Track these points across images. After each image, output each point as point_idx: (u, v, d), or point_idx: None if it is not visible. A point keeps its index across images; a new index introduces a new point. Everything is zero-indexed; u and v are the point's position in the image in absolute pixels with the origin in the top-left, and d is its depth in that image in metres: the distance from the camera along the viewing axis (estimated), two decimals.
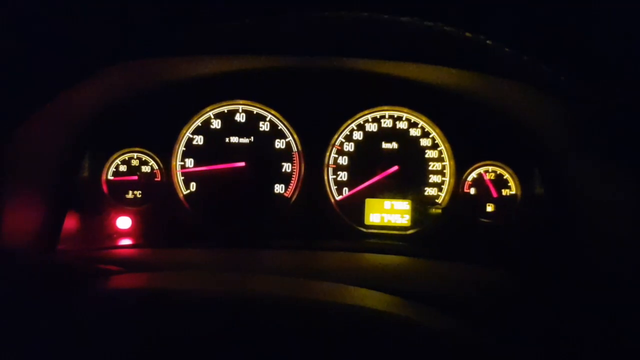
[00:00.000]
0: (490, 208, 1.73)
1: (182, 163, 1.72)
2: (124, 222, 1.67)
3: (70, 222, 1.58)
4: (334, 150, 1.73)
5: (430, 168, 1.73)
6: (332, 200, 1.72)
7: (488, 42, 0.95)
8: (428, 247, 1.64)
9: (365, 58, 1.44)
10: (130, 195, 1.71)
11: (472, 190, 1.73)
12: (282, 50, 1.38)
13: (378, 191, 1.73)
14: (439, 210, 1.69)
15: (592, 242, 1.41)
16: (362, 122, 1.73)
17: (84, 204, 1.63)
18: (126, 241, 1.61)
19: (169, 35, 1.13)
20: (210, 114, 1.71)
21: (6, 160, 1.22)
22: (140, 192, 1.71)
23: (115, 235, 1.65)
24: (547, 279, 1.36)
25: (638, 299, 1.14)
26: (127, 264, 1.22)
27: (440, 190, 1.73)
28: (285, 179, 1.72)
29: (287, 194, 1.72)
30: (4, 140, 1.19)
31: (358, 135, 1.73)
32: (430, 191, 1.74)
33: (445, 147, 1.72)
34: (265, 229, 1.69)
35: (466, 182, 1.72)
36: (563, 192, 1.55)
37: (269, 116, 1.71)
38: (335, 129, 1.71)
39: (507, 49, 0.96)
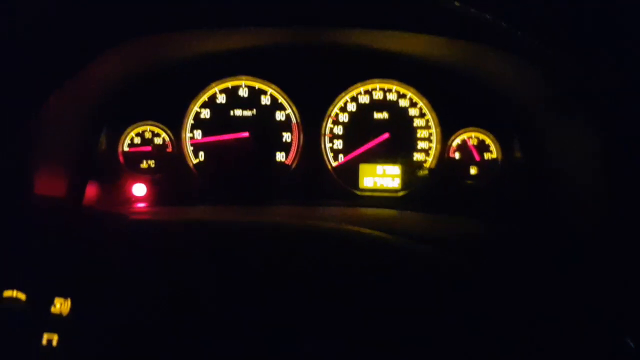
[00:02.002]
0: (473, 171, 1.89)
1: (191, 135, 1.87)
2: (139, 190, 1.82)
3: (91, 191, 1.74)
4: (330, 120, 1.88)
5: (418, 135, 1.89)
6: (329, 167, 1.88)
7: (471, 10, 1.09)
8: (417, 205, 1.80)
9: (356, 28, 1.57)
10: (144, 165, 1.86)
11: (457, 155, 1.89)
12: (278, 22, 1.51)
13: (371, 157, 1.89)
14: (426, 172, 1.85)
15: (562, 197, 1.57)
16: (355, 94, 1.88)
17: (102, 173, 1.79)
18: (142, 205, 1.78)
19: (177, 10, 1.30)
20: (216, 89, 1.87)
21: (33, 134, 1.38)
22: (153, 162, 1.87)
23: (131, 201, 1.81)
24: (522, 228, 1.54)
25: (600, 245, 1.29)
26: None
27: (428, 155, 1.89)
28: (286, 147, 1.88)
29: (288, 162, 1.88)
30: (30, 116, 1.35)
31: (352, 107, 1.89)
32: (418, 156, 1.89)
33: (431, 115, 1.87)
34: (267, 193, 1.85)
35: (451, 148, 1.88)
36: (538, 155, 1.71)
37: (270, 90, 1.87)
38: (330, 100, 1.87)
39: (488, 17, 1.10)
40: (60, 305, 0.99)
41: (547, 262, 1.26)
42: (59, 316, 0.99)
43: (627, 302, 1.09)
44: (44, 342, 0.98)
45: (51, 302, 0.99)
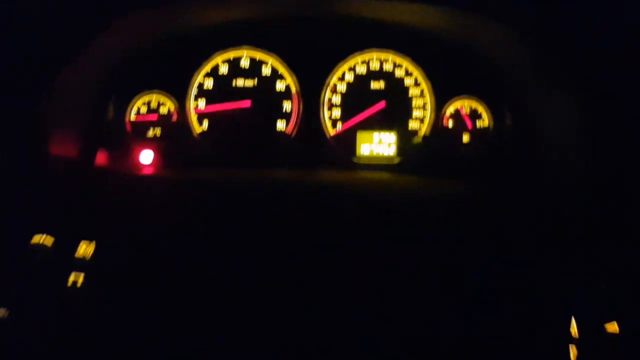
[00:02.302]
0: (466, 138, 1.98)
1: (195, 104, 1.95)
2: (146, 157, 1.90)
3: (101, 158, 1.82)
4: (329, 90, 1.96)
5: (413, 104, 1.97)
6: (328, 135, 1.97)
7: None
8: (412, 172, 1.89)
9: None
10: (151, 133, 1.94)
11: (450, 123, 1.97)
12: None
13: (368, 125, 1.97)
14: (420, 140, 1.94)
15: (548, 160, 1.67)
16: (353, 64, 1.96)
17: (111, 141, 1.87)
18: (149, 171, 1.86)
19: None
20: (219, 59, 1.94)
21: (48, 104, 1.46)
22: (159, 130, 1.95)
23: (139, 167, 1.89)
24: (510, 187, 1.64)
25: (581, 201, 1.40)
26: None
27: (422, 123, 1.98)
28: (286, 116, 1.96)
29: (288, 130, 1.96)
30: (46, 86, 1.43)
31: (349, 76, 1.97)
32: (413, 124, 1.98)
33: (426, 85, 1.95)
34: (268, 160, 1.93)
35: (445, 116, 1.97)
36: (528, 121, 1.80)
37: (271, 61, 1.94)
38: (329, 70, 1.94)
39: None
40: (84, 249, 1.08)
41: (530, 214, 1.35)
42: (83, 259, 1.08)
43: (607, 252, 1.19)
44: (70, 281, 1.07)
45: (76, 246, 1.08)
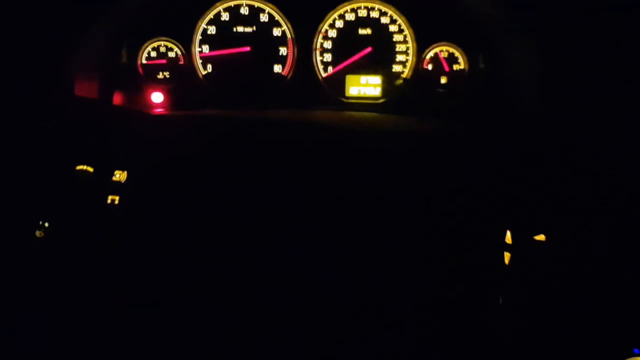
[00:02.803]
0: (443, 80, 2.20)
1: (200, 49, 2.16)
2: (157, 97, 2.13)
3: (118, 99, 2.06)
4: (321, 36, 2.16)
5: (396, 49, 2.18)
6: (320, 77, 2.19)
7: None
8: (395, 110, 2.13)
9: None
10: (160, 75, 2.16)
11: (430, 66, 2.19)
12: None
13: (356, 69, 2.19)
14: (401, 81, 2.16)
15: (517, 99, 1.90)
16: (342, 12, 2.15)
17: (126, 83, 2.10)
18: (160, 110, 2.10)
19: None
20: (220, 8, 2.13)
21: (73, 51, 1.67)
22: (168, 73, 2.16)
23: (151, 107, 2.13)
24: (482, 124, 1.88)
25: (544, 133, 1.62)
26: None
27: (405, 66, 2.19)
28: (282, 60, 2.17)
29: (284, 73, 2.18)
30: (74, 38, 1.65)
31: (339, 24, 2.16)
32: (397, 68, 2.20)
33: (409, 31, 2.15)
34: (266, 100, 2.16)
35: (425, 60, 2.18)
36: (499, 63, 2.02)
37: (268, 9, 2.13)
38: (321, 18, 2.13)
39: None
40: (119, 175, 1.34)
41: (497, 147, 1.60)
42: (119, 183, 1.34)
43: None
44: (108, 201, 1.34)
45: (112, 173, 1.34)
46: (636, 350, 1.10)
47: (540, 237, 1.29)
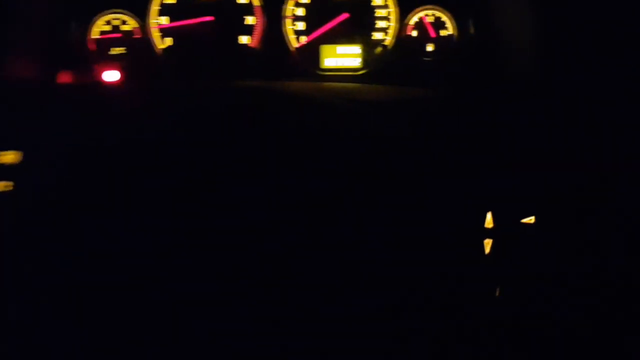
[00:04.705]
0: (430, 47, 1.98)
1: (158, 20, 1.95)
2: (111, 76, 1.92)
3: (63, 78, 1.85)
4: (291, 2, 1.94)
5: (376, 14, 1.96)
6: (291, 48, 1.97)
7: None
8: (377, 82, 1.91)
9: None
10: (115, 51, 1.96)
11: (414, 33, 1.96)
12: None
13: (331, 38, 1.97)
14: (380, 49, 1.94)
15: (508, 67, 1.69)
16: None
17: (75, 61, 1.89)
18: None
19: None
20: None
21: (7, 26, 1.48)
22: (124, 48, 1.96)
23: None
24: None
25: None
26: None
27: (386, 33, 1.97)
28: (249, 30, 1.96)
29: (252, 44, 1.97)
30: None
31: None
32: (377, 35, 1.97)
33: None
34: (232, 74, 1.95)
35: (408, 26, 1.95)
36: (489, 27, 1.80)
37: None
38: None
39: None
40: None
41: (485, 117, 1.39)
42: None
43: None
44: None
45: None
46: None
47: (529, 220, 1.07)
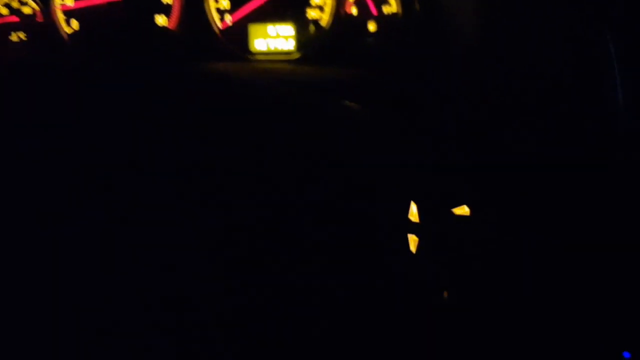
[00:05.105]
0: (372, 27, 1.77)
1: (62, 1, 1.72)
2: None
3: None
4: None
5: None
6: (216, 29, 1.75)
7: None
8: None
9: None
10: (14, 37, 1.73)
11: (354, 11, 1.76)
12: None
13: (261, 16, 1.76)
14: (314, 28, 1.73)
15: (454, 43, 1.50)
16: None
17: None
18: None
19: None
20: None
21: None
22: (24, 34, 1.73)
23: None
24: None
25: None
26: None
27: (322, 11, 1.76)
28: (166, 9, 1.74)
29: (170, 26, 1.74)
30: None
31: None
32: (312, 14, 1.76)
33: None
34: (149, 60, 1.72)
35: (347, 2, 1.75)
36: (435, 6, 1.61)
37: None
38: None
39: None
40: None
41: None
42: None
43: None
44: None
45: None
46: (626, 354, 0.90)
47: (463, 211, 0.86)
